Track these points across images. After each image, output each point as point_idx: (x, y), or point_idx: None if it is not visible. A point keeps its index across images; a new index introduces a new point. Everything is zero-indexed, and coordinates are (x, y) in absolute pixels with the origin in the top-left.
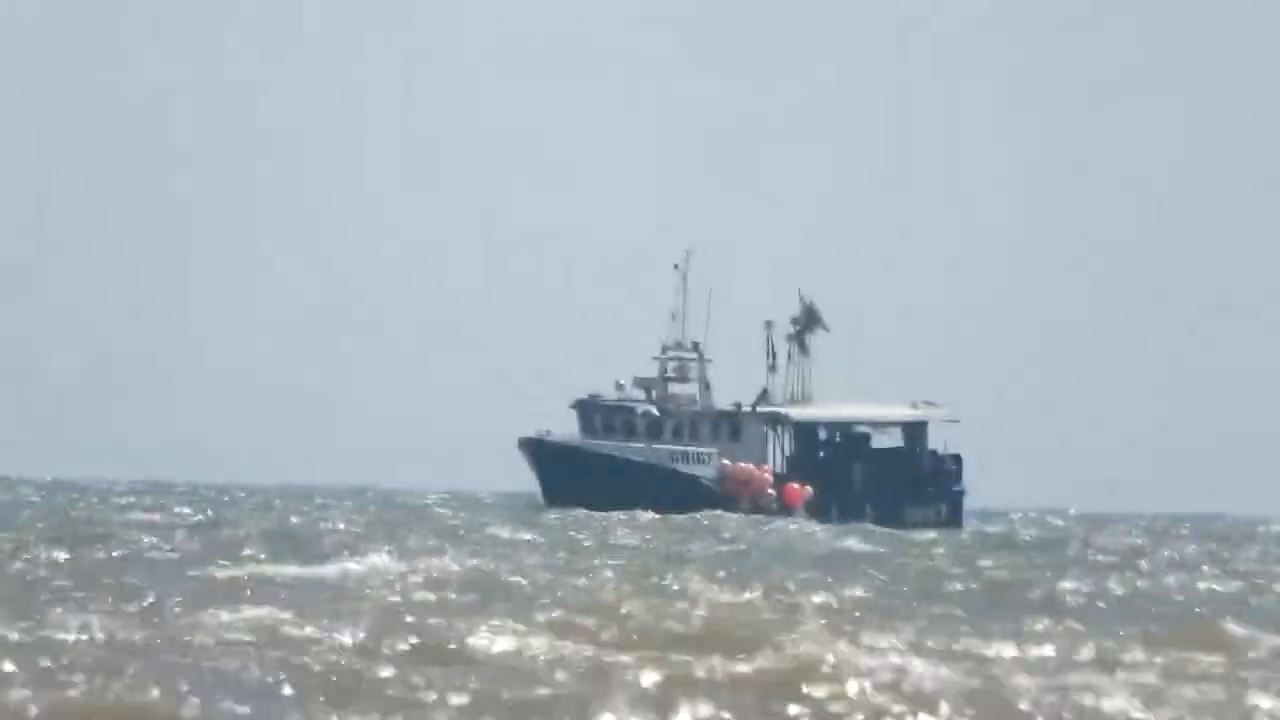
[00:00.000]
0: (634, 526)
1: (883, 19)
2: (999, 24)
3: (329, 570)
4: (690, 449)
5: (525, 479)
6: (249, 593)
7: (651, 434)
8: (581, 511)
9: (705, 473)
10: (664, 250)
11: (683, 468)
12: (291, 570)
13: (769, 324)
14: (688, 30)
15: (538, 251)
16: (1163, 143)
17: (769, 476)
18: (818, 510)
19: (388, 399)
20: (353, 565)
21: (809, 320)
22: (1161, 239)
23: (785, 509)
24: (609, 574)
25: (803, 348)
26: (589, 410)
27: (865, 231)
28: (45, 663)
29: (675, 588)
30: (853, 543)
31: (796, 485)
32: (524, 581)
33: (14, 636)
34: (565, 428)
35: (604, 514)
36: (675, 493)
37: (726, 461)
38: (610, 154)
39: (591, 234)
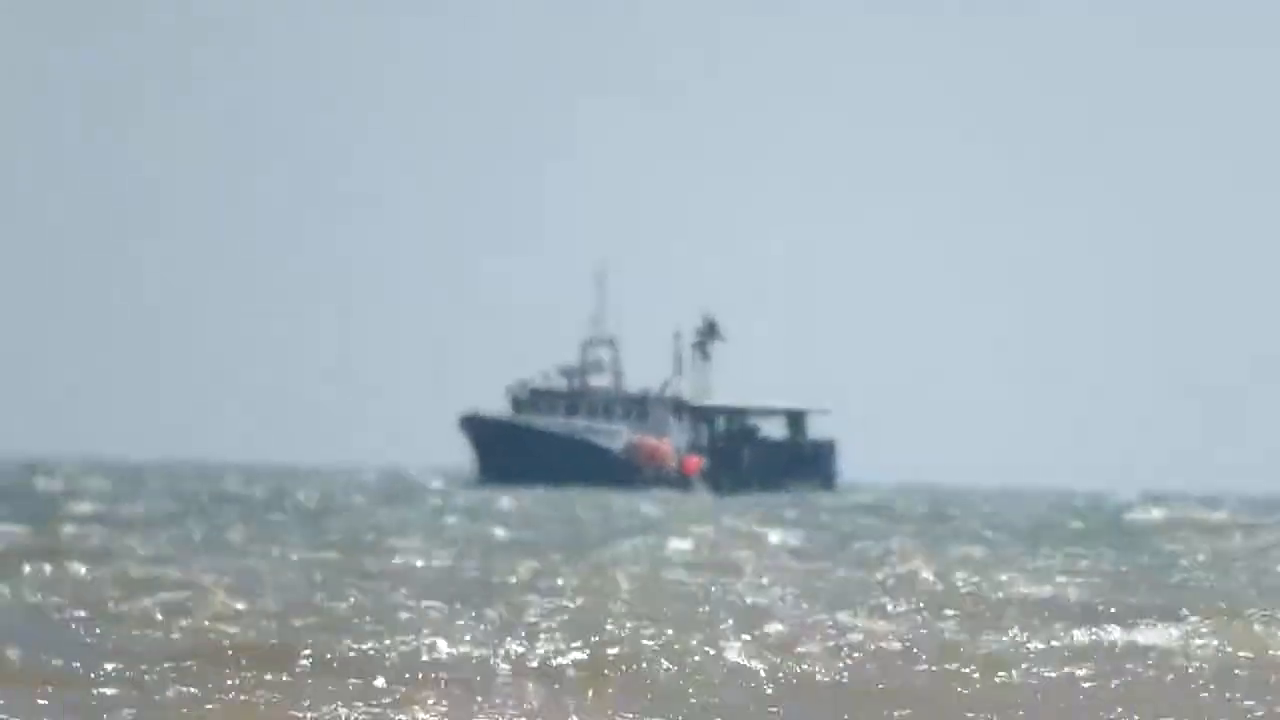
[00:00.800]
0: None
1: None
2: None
3: None
4: (603, 426)
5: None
6: None
7: (570, 413)
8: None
9: (615, 445)
10: (586, 264)
11: (596, 440)
12: None
13: (677, 335)
14: (612, 54)
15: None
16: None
17: (670, 450)
18: (710, 482)
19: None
20: None
21: (710, 332)
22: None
23: (683, 478)
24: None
25: (704, 354)
26: (519, 394)
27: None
28: None
29: None
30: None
31: (694, 458)
32: None
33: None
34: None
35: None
36: (589, 461)
37: (635, 437)
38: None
39: (526, 250)
